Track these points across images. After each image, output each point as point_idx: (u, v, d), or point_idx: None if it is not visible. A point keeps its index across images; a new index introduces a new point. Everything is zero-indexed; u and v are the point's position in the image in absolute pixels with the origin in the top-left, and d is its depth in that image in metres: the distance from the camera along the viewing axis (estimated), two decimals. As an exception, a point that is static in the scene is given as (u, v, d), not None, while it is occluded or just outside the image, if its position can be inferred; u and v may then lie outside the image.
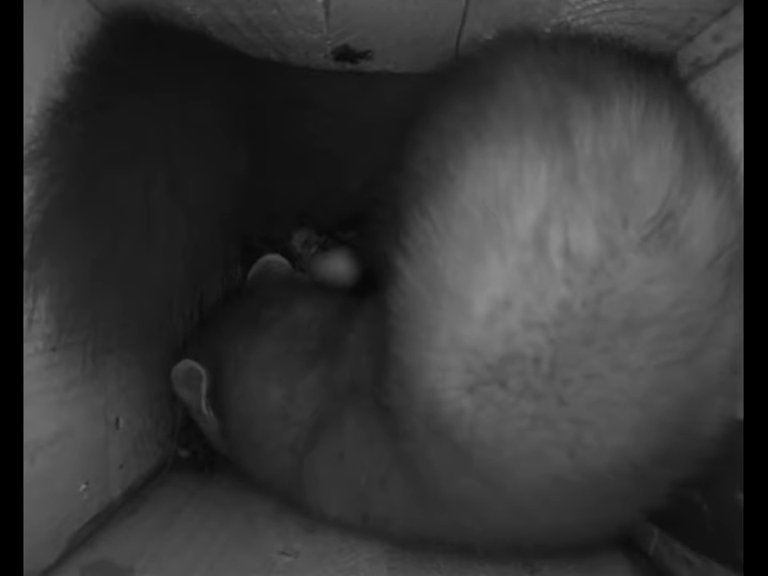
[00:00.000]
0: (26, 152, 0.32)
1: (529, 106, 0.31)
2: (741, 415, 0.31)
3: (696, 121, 0.32)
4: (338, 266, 0.53)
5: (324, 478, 0.38)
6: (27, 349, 0.32)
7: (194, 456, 0.50)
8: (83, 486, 0.38)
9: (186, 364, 0.42)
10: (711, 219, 0.29)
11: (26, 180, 0.32)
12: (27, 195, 0.32)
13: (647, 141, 0.29)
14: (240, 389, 0.41)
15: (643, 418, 0.29)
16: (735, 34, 0.33)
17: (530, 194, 0.29)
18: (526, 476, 0.31)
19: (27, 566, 0.32)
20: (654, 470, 0.31)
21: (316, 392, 0.39)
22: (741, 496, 0.31)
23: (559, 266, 0.28)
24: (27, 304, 0.32)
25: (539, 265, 0.28)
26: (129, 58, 0.36)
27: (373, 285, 0.50)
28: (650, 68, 0.33)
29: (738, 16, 0.32)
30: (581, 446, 0.29)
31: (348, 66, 0.43)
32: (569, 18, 0.36)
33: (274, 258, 0.53)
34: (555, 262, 0.28)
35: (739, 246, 0.30)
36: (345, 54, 0.42)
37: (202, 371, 0.41)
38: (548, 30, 0.37)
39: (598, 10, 0.35)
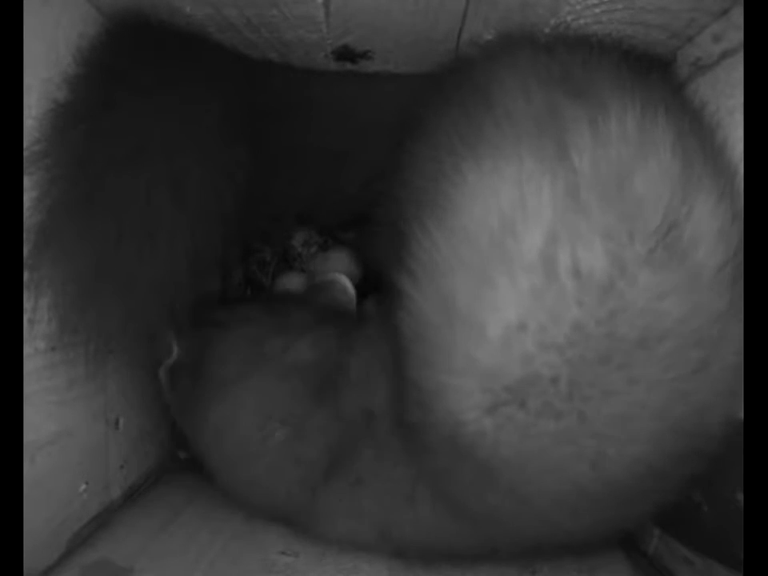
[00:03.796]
0: (28, 153, 0.32)
1: (523, 118, 0.31)
2: (741, 415, 0.31)
3: (693, 125, 0.32)
4: (338, 267, 0.53)
5: (341, 510, 0.38)
6: (27, 349, 0.32)
7: (193, 457, 0.50)
8: (83, 486, 0.38)
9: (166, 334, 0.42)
10: (714, 226, 0.29)
11: (29, 180, 0.32)
12: (30, 195, 0.32)
13: (646, 151, 0.29)
14: (226, 414, 0.39)
15: (660, 428, 0.29)
16: (735, 34, 0.33)
17: (535, 216, 0.29)
18: (551, 488, 0.31)
19: (27, 565, 0.32)
20: (669, 470, 0.31)
21: (327, 428, 0.38)
22: (741, 496, 0.31)
23: (570, 287, 0.28)
24: (28, 304, 0.32)
25: (551, 287, 0.28)
26: (130, 59, 0.36)
27: (373, 285, 0.50)
28: (647, 71, 0.33)
29: (738, 16, 0.32)
30: (603, 457, 0.30)
31: (348, 66, 0.43)
32: (569, 18, 0.36)
33: (341, 281, 0.47)
34: (566, 283, 0.28)
35: (742, 253, 0.30)
36: (345, 53, 0.42)
37: (174, 348, 0.42)
38: (548, 29, 0.37)
39: (597, 10, 0.35)
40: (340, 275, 0.47)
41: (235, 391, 0.40)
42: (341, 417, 0.38)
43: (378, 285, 0.47)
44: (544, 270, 0.28)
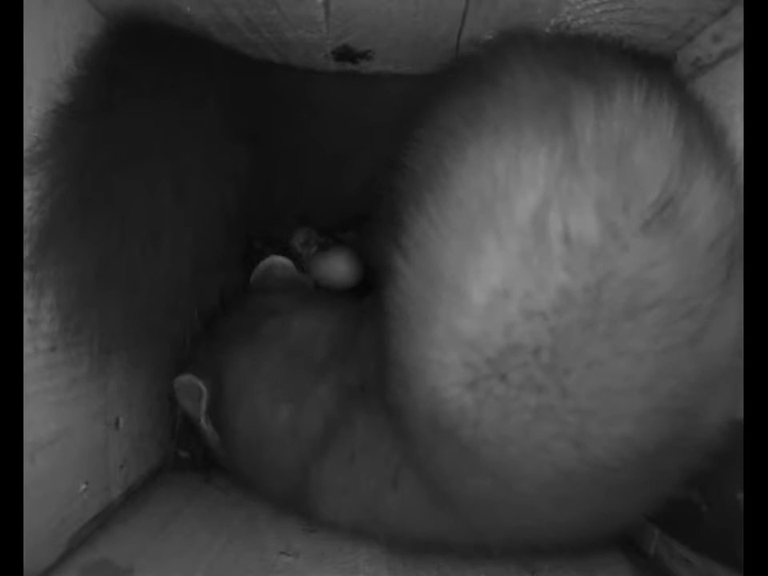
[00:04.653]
0: (29, 153, 0.32)
1: (527, 96, 0.30)
2: (741, 415, 0.31)
3: (695, 113, 0.32)
4: (338, 266, 0.53)
5: (333, 485, 0.38)
6: (28, 348, 0.32)
7: (194, 457, 0.50)
8: (83, 486, 0.38)
9: (188, 378, 0.42)
10: (711, 203, 0.29)
11: (30, 181, 0.32)
12: (31, 196, 0.32)
13: (649, 126, 0.29)
14: (247, 412, 0.40)
15: (647, 405, 0.29)
16: (735, 34, 0.33)
17: (529, 180, 0.28)
18: (533, 470, 0.30)
19: (27, 566, 0.32)
20: (660, 458, 0.30)
21: (327, 402, 0.38)
22: (741, 496, 0.31)
23: (559, 252, 0.28)
24: (30, 304, 0.32)
25: (538, 251, 0.28)
26: (131, 60, 0.36)
27: (373, 284, 0.50)
28: (650, 65, 0.33)
29: (738, 16, 0.33)
30: (585, 436, 0.29)
31: (348, 66, 0.44)
32: (569, 18, 0.36)
33: (277, 261, 0.51)
34: (555, 248, 0.28)
35: (739, 229, 0.29)
36: (345, 54, 0.42)
37: (203, 388, 0.41)
38: (548, 30, 0.37)
39: (597, 9, 0.35)
40: (275, 256, 0.51)
41: (251, 387, 0.40)
42: (341, 388, 0.38)
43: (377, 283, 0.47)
44: (533, 233, 0.28)
